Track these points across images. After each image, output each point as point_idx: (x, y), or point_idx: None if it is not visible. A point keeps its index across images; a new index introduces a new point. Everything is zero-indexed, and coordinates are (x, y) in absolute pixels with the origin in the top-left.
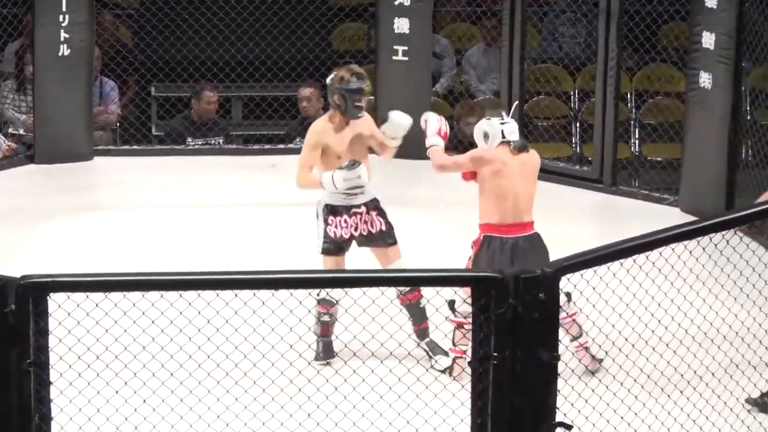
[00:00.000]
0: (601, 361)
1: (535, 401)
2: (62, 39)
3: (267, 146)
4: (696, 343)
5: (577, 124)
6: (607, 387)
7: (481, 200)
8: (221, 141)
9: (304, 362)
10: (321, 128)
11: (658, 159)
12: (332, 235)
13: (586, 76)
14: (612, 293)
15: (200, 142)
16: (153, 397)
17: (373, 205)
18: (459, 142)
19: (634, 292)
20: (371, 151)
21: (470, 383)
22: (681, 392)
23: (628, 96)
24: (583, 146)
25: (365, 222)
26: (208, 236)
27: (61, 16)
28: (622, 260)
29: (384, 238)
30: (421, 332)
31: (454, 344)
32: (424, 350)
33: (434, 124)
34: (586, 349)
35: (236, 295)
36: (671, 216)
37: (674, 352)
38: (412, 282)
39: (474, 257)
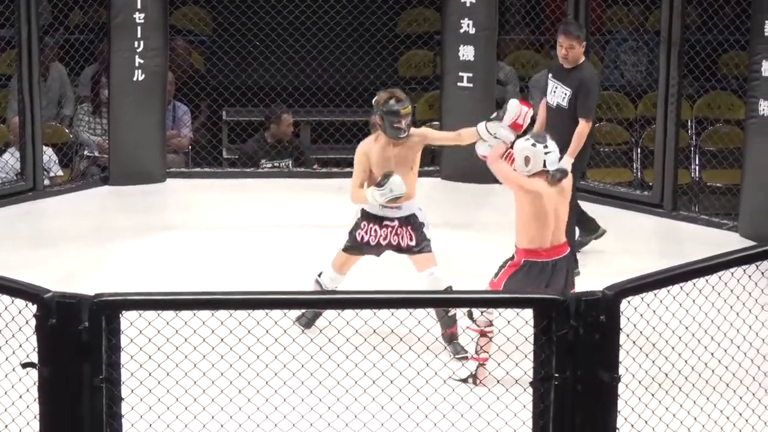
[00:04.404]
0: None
1: (595, 421)
2: (137, 64)
3: (335, 170)
4: (755, 365)
5: (638, 150)
6: (666, 408)
7: (520, 224)
8: (290, 163)
9: (368, 381)
10: (366, 147)
11: (718, 185)
12: (358, 238)
13: (647, 104)
14: (672, 316)
15: (271, 165)
16: (221, 413)
17: (408, 221)
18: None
19: (693, 315)
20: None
21: (531, 403)
22: (740, 414)
23: (689, 123)
24: (644, 172)
25: (396, 235)
26: (276, 257)
27: (135, 42)
28: (682, 284)
29: (410, 250)
30: (448, 336)
31: (476, 353)
32: (450, 350)
33: (513, 113)
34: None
35: (303, 314)
36: (730, 241)
37: (733, 374)
38: (475, 303)
39: (508, 277)
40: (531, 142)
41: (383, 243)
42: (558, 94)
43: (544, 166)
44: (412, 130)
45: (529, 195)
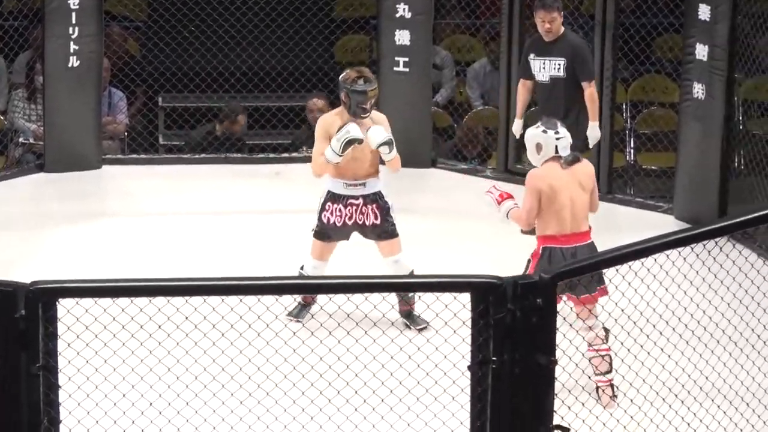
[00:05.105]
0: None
1: (533, 404)
2: (72, 50)
3: (272, 155)
4: (690, 347)
5: None
6: (603, 390)
7: (539, 213)
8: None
9: (307, 366)
10: (329, 121)
11: (653, 167)
12: (325, 220)
13: None
14: (608, 299)
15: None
16: (159, 400)
17: (373, 199)
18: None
19: (629, 298)
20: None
21: (469, 387)
22: (675, 396)
23: (624, 106)
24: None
25: (361, 213)
26: (214, 243)
27: (70, 28)
28: (618, 266)
29: (376, 232)
30: (406, 312)
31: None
32: (404, 322)
33: (493, 199)
34: (612, 386)
35: (241, 300)
36: (665, 223)
37: (668, 356)
38: (410, 288)
39: (533, 269)
40: (541, 129)
41: (349, 223)
42: (549, 67)
43: (556, 152)
44: (375, 112)
45: (546, 187)
